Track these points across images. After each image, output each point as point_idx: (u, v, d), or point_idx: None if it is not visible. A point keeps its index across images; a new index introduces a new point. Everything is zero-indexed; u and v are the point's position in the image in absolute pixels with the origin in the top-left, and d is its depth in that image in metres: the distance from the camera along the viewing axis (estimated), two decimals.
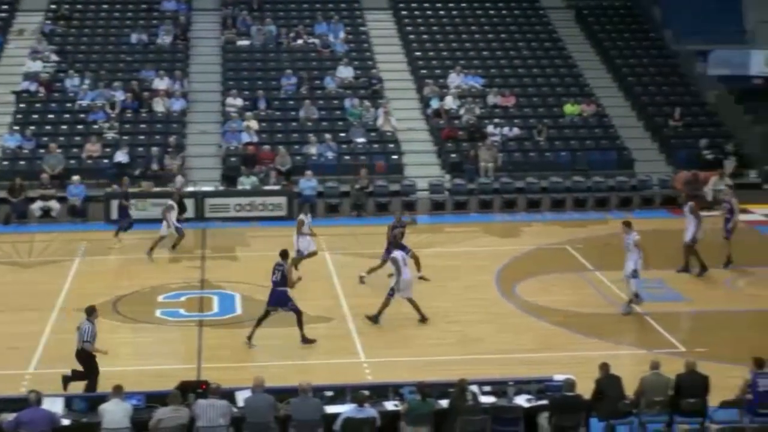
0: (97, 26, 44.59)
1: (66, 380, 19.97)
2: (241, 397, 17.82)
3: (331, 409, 17.74)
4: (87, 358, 19.95)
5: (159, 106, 39.35)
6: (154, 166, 35.91)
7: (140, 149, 37.19)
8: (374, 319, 24.32)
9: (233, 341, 23.52)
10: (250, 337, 23.03)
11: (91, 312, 20.33)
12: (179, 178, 34.48)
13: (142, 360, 22.25)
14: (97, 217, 34.02)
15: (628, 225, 26.15)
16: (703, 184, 35.69)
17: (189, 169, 36.63)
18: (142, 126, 38.95)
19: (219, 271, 28.63)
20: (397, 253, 24.76)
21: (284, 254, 23.68)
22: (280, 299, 23.05)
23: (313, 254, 28.04)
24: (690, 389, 18.15)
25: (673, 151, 39.29)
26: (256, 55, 43.13)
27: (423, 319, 24.37)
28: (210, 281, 27.64)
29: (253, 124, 38.17)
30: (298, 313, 23.05)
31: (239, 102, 39.53)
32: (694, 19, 45.94)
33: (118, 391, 17.25)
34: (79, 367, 19.96)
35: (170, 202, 30.17)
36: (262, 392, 17.48)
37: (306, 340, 23.05)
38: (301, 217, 28.20)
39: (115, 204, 32.89)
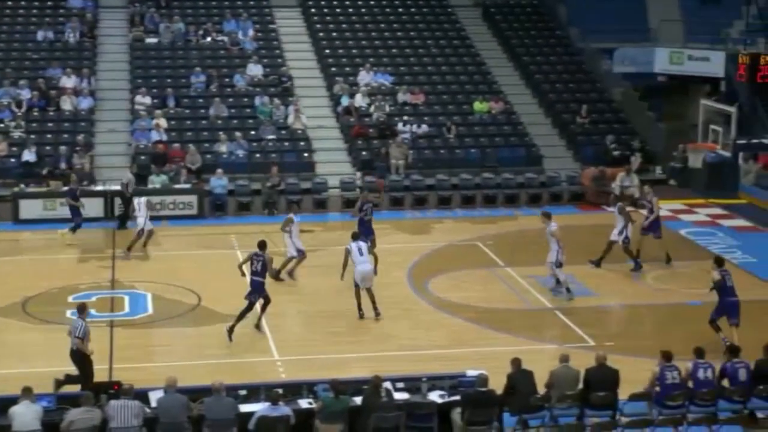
0: (2, 23, 43.87)
1: (59, 383, 19.61)
2: (154, 397, 17.75)
3: (245, 408, 17.73)
4: (81, 358, 19.71)
5: (66, 104, 38.88)
6: (63, 165, 35.48)
7: (48, 148, 36.71)
8: (360, 314, 24.72)
9: (145, 341, 23.41)
10: (231, 329, 23.19)
11: (82, 309, 20.24)
12: (128, 175, 34.18)
13: (52, 361, 21.86)
14: (4, 217, 33.51)
15: (547, 216, 26.56)
16: (610, 180, 36.19)
17: (98, 168, 36.25)
18: (50, 125, 38.45)
19: (130, 270, 28.40)
20: (351, 245, 24.87)
21: (262, 245, 23.98)
22: (258, 288, 23.40)
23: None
24: (600, 383, 18.43)
25: (580, 147, 39.80)
26: (164, 52, 42.82)
27: (376, 314, 24.68)
28: (121, 281, 27.41)
29: (163, 123, 37.91)
30: (266, 303, 23.73)
31: (148, 100, 39.22)
32: (599, 17, 46.57)
33: (27, 392, 17.05)
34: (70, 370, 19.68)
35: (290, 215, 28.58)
36: (175, 392, 17.42)
37: (231, 330, 23.21)
38: (291, 215, 28.02)
39: (26, 204, 32.54)
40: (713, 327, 23.32)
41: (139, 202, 30.35)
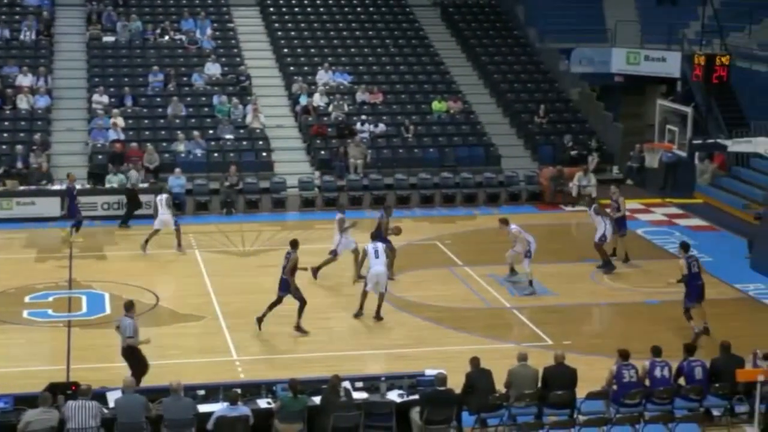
0: None
1: None
2: (112, 397, 17.69)
3: (203, 408, 17.71)
4: (131, 353, 19.82)
5: (23, 103, 38.56)
6: (19, 164, 35.22)
7: (4, 147, 36.40)
8: (358, 314, 24.79)
9: (103, 341, 23.24)
10: (260, 320, 23.47)
11: (129, 307, 20.25)
12: (134, 173, 33.98)
13: (9, 362, 21.84)
14: None
15: (504, 222, 26.85)
16: (568, 179, 36.37)
17: (55, 167, 35.98)
18: (6, 123, 38.09)
19: (87, 270, 28.24)
20: (369, 246, 25.00)
21: (294, 243, 23.91)
22: (284, 286, 23.47)
23: (355, 252, 27.75)
24: (558, 382, 18.55)
25: (538, 147, 39.96)
26: (121, 51, 42.57)
27: (377, 317, 24.67)
28: (78, 281, 27.26)
29: (120, 122, 37.70)
30: (302, 305, 23.54)
31: (105, 99, 38.98)
32: (556, 17, 46.88)
33: None
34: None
35: (339, 215, 28.45)
36: (133, 392, 17.38)
37: (300, 329, 23.46)
38: (340, 215, 28.05)
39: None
40: (686, 316, 23.83)
41: (160, 199, 30.22)
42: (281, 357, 22.29)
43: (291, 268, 23.46)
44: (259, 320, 23.53)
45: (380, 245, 25.19)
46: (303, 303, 23.57)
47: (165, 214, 29.95)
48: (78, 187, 33.65)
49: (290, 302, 25.29)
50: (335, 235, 27.74)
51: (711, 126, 37.39)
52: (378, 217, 28.56)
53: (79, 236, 30.82)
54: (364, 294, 24.70)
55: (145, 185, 34.32)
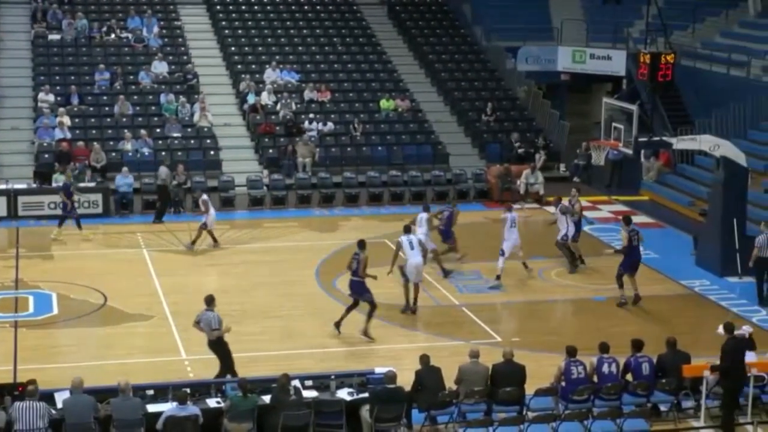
0: None
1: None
2: (60, 398, 17.56)
3: (153, 407, 17.64)
4: (219, 345, 20.06)
5: None
6: None
7: None
8: (411, 309, 25.01)
9: (50, 341, 23.15)
10: (338, 324, 23.37)
11: (210, 301, 20.47)
12: (163, 169, 33.84)
13: None
14: None
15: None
16: (516, 177, 36.56)
17: (0, 166, 35.70)
18: None
19: (34, 270, 28.01)
20: (403, 238, 25.14)
21: (361, 244, 23.77)
22: (356, 288, 23.40)
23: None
24: (506, 378, 18.65)
25: (485, 145, 40.14)
26: (67, 49, 42.27)
27: (412, 310, 24.96)
28: (25, 281, 27.03)
29: (66, 120, 37.44)
30: (372, 306, 23.36)
31: (51, 98, 38.71)
32: (503, 16, 47.10)
33: None
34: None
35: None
36: (81, 393, 17.28)
37: (366, 335, 23.30)
38: (424, 214, 28.22)
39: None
40: (618, 283, 25.15)
41: (205, 200, 30.03)
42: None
43: (364, 269, 23.38)
44: (337, 324, 23.43)
45: (414, 237, 25.34)
46: (373, 307, 23.42)
47: (210, 214, 29.98)
48: (24, 186, 33.47)
49: (236, 302, 25.26)
50: (424, 234, 27.57)
51: (656, 124, 37.69)
52: (447, 210, 28.95)
53: (62, 233, 31.07)
54: (406, 287, 24.96)
55: (92, 184, 34.09)
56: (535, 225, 30.53)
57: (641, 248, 26.31)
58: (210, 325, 20.17)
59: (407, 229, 25.83)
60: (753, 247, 26.26)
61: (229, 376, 19.45)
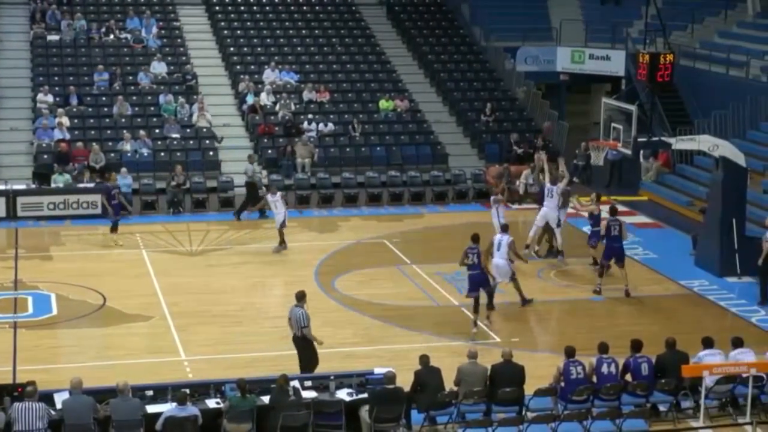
0: None
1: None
2: (59, 398, 17.56)
3: (152, 408, 17.64)
4: (305, 342, 20.18)
5: None
6: None
7: None
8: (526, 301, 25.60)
9: (50, 342, 23.14)
10: (475, 322, 23.80)
11: (301, 297, 20.53)
12: (249, 166, 34.04)
13: None
14: None
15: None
16: (515, 177, 36.56)
17: None
18: None
19: (33, 271, 28.00)
20: (495, 237, 25.48)
21: (475, 238, 24.24)
22: (479, 280, 23.81)
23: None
24: (506, 379, 18.65)
25: (484, 145, 40.14)
26: (66, 50, 42.25)
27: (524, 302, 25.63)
28: (24, 281, 27.03)
29: (65, 121, 37.43)
30: (490, 296, 24.29)
31: (50, 98, 38.70)
32: (502, 16, 47.13)
33: None
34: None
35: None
36: (81, 393, 17.27)
37: (525, 301, 25.45)
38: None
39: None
40: (599, 272, 26.47)
41: (276, 200, 29.91)
42: (229, 357, 22.22)
43: (485, 258, 24.30)
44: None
45: (504, 238, 25.38)
46: (492, 296, 24.44)
47: (281, 213, 29.87)
48: (23, 187, 33.43)
49: (235, 303, 25.31)
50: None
51: (655, 124, 37.69)
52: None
53: (119, 238, 30.71)
54: (516, 282, 25.50)
55: (91, 185, 34.08)
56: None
57: (621, 240, 26.51)
58: (299, 323, 20.21)
59: (504, 228, 26.39)
60: (762, 245, 26.16)
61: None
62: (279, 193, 30.43)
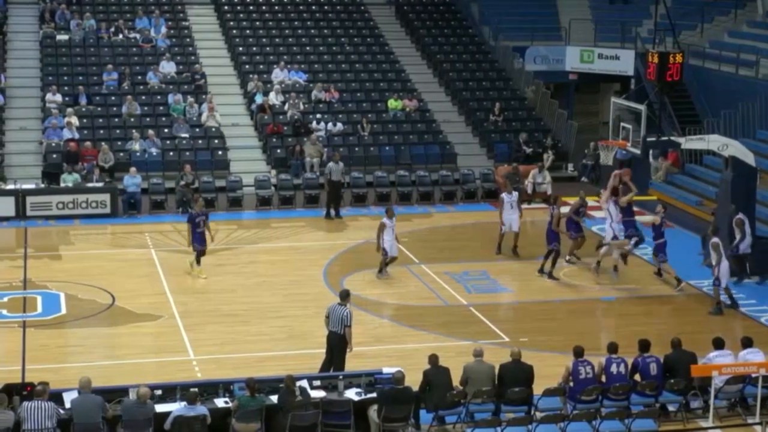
0: None
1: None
2: (68, 398, 17.58)
3: (161, 407, 17.65)
4: (342, 343, 20.16)
5: None
6: None
7: None
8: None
9: (58, 341, 23.17)
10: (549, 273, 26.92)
11: (345, 296, 20.59)
12: (332, 165, 34.04)
13: None
14: None
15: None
16: (524, 177, 36.52)
17: (8, 166, 35.77)
18: None
19: (42, 270, 28.03)
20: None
21: (555, 199, 28.25)
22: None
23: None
24: (514, 378, 18.63)
25: (493, 145, 40.11)
26: (75, 50, 42.31)
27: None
28: (33, 281, 27.05)
29: (75, 121, 37.48)
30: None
31: (59, 98, 38.76)
32: (511, 16, 47.11)
33: None
34: None
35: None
36: (90, 393, 17.29)
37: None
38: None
39: None
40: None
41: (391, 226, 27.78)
42: (238, 356, 22.22)
43: (557, 221, 27.31)
44: (551, 275, 27.47)
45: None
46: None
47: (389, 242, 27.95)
48: (32, 186, 33.46)
49: (244, 302, 25.30)
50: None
51: (664, 124, 37.67)
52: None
53: (202, 271, 27.78)
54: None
55: (100, 184, 34.12)
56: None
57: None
58: (343, 321, 20.18)
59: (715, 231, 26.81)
60: None
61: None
62: (393, 219, 28.00)
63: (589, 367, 18.81)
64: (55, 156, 35.96)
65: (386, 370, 19.05)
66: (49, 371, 20.47)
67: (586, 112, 47.04)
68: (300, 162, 37.15)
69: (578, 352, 18.98)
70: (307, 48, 44.46)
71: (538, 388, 18.70)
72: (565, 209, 29.33)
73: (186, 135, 38.15)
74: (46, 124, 37.49)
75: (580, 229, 28.89)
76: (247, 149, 38.68)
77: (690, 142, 30.16)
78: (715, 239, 26.00)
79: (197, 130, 38.65)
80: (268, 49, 44.04)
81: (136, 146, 36.92)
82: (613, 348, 19.19)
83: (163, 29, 43.66)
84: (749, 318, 25.24)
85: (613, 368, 18.95)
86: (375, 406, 18.14)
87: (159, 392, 18.23)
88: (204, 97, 39.92)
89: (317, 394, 18.33)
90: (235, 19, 45.62)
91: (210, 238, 27.79)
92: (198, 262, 27.68)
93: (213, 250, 29.88)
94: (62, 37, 42.69)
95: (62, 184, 34.06)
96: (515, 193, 30.02)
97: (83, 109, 38.75)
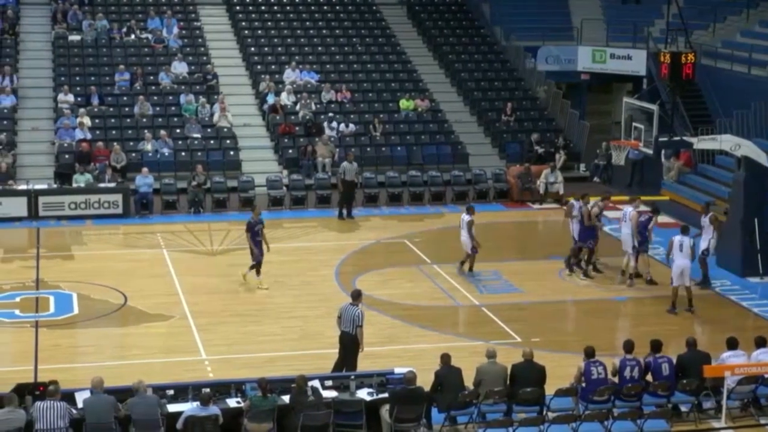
0: None
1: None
2: (81, 398, 17.60)
3: (173, 407, 17.67)
4: (353, 344, 20.20)
5: None
6: None
7: None
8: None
9: (71, 341, 23.21)
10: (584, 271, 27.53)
11: (357, 296, 20.69)
12: (347, 165, 33.94)
13: None
14: None
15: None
16: (536, 177, 36.48)
17: (21, 167, 35.84)
18: None
19: (55, 270, 28.08)
20: (675, 238, 25.75)
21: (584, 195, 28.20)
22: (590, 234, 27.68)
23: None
24: (526, 379, 18.61)
25: (505, 145, 40.07)
26: (88, 50, 42.37)
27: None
28: (46, 281, 27.10)
29: (87, 121, 37.54)
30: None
31: (71, 98, 38.82)
32: (522, 16, 47.06)
33: None
34: None
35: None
36: (102, 392, 17.31)
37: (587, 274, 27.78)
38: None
39: None
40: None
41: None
42: (250, 356, 22.23)
43: (588, 217, 27.32)
44: (585, 273, 27.64)
45: (686, 239, 25.60)
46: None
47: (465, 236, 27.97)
48: (44, 187, 33.51)
49: (256, 302, 25.29)
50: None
51: (677, 124, 37.55)
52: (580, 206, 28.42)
53: (262, 282, 26.88)
54: (675, 292, 25.50)
55: (112, 185, 34.16)
56: (555, 225, 30.43)
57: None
58: (355, 321, 20.21)
59: (684, 230, 26.20)
60: None
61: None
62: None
63: (601, 367, 18.78)
64: (67, 156, 36.02)
65: (398, 370, 19.04)
66: (61, 371, 20.49)
67: (598, 112, 46.97)
68: (312, 162, 37.15)
69: (590, 353, 18.95)
70: (319, 48, 44.47)
71: (550, 389, 18.67)
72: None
73: (198, 135, 38.19)
74: (58, 124, 37.56)
75: (596, 235, 28.51)
76: (259, 149, 38.69)
77: (702, 142, 30.09)
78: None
79: (209, 130, 38.68)
80: (279, 49, 44.06)
81: (148, 146, 36.97)
82: (629, 346, 19.11)
83: (175, 29, 43.71)
84: (762, 318, 25.18)
85: (627, 372, 18.87)
86: (387, 406, 18.13)
87: (171, 392, 18.26)
88: (216, 97, 39.96)
89: (329, 394, 18.33)
90: (246, 20, 45.65)
91: (266, 246, 26.86)
92: (258, 272, 26.70)
93: (225, 250, 30.02)
94: (74, 37, 42.75)
95: (74, 185, 34.09)
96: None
97: (95, 110, 38.80)
